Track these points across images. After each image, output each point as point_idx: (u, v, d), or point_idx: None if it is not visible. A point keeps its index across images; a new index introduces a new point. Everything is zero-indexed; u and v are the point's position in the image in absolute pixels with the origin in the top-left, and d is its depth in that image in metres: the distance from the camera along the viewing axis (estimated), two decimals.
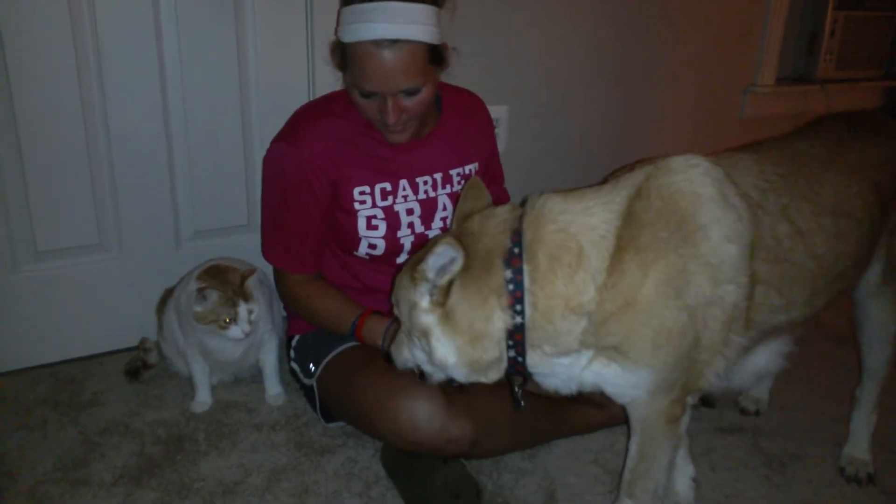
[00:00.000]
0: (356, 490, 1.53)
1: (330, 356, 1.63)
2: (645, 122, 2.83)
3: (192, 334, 1.76)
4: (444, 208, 1.67)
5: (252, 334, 1.74)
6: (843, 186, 1.29)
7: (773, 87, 3.10)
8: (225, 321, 1.67)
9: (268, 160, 1.62)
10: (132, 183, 1.94)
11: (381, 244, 1.61)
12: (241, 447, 1.66)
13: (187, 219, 2.05)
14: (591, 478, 1.59)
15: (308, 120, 1.59)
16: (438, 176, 1.65)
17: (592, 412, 1.71)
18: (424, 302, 1.14)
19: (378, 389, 1.47)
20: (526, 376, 1.21)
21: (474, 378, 1.18)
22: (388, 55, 1.38)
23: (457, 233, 1.19)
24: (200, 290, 1.65)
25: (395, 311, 1.25)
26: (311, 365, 1.67)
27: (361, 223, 1.60)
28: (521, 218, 1.15)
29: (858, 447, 1.64)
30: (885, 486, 1.60)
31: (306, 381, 1.70)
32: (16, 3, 1.70)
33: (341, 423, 1.72)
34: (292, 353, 1.76)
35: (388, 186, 1.60)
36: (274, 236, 1.65)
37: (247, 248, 2.01)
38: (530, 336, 1.12)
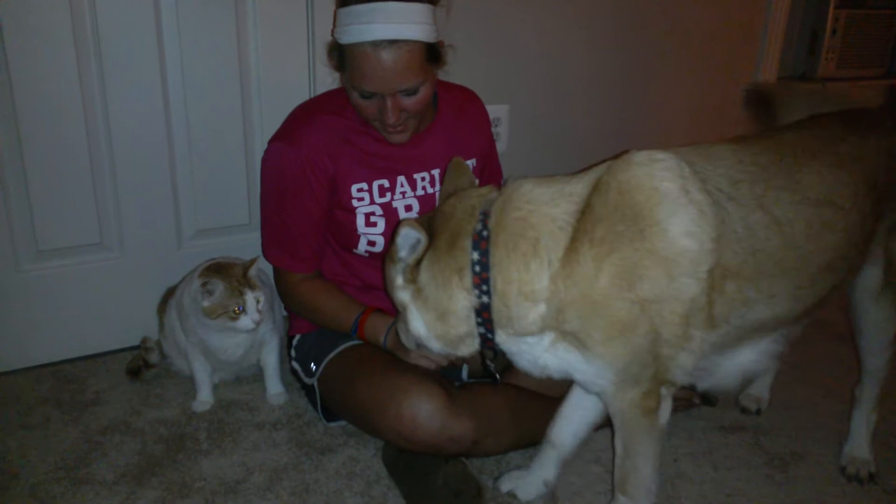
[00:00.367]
0: (357, 489, 1.53)
1: (331, 355, 1.63)
2: (645, 121, 2.83)
3: (194, 333, 1.76)
4: None
5: (258, 327, 1.73)
6: (830, 176, 1.27)
7: None
8: (235, 311, 1.67)
9: (266, 161, 1.63)
10: (133, 182, 1.94)
11: (380, 241, 1.62)
12: (242, 446, 1.66)
13: (189, 218, 2.05)
14: (592, 477, 1.59)
15: (305, 119, 1.59)
16: (436, 172, 1.65)
17: None
18: (399, 279, 1.23)
19: (379, 388, 1.47)
20: (496, 352, 1.26)
21: (448, 350, 1.26)
22: (386, 56, 1.39)
23: (431, 214, 1.26)
24: (205, 285, 1.65)
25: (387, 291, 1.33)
26: (313, 364, 1.68)
27: (360, 220, 1.60)
28: (493, 201, 1.20)
29: (859, 446, 1.64)
30: (886, 484, 1.60)
31: (307, 380, 1.70)
32: (17, 4, 1.70)
33: (342, 423, 1.72)
34: (293, 353, 1.77)
35: (385, 183, 1.61)
36: (274, 236, 1.65)
37: (248, 247, 2.01)
38: (495, 316, 1.18)
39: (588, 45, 2.56)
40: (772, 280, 1.21)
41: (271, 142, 1.61)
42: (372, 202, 1.60)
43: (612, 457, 1.64)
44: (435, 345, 1.25)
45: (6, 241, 1.85)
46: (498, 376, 1.35)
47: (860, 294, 1.52)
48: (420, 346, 1.30)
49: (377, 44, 1.38)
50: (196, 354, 1.80)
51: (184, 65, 1.91)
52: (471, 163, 1.72)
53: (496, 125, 2.41)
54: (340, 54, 1.47)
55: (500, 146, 2.40)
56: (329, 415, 1.71)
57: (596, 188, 1.15)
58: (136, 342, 1.99)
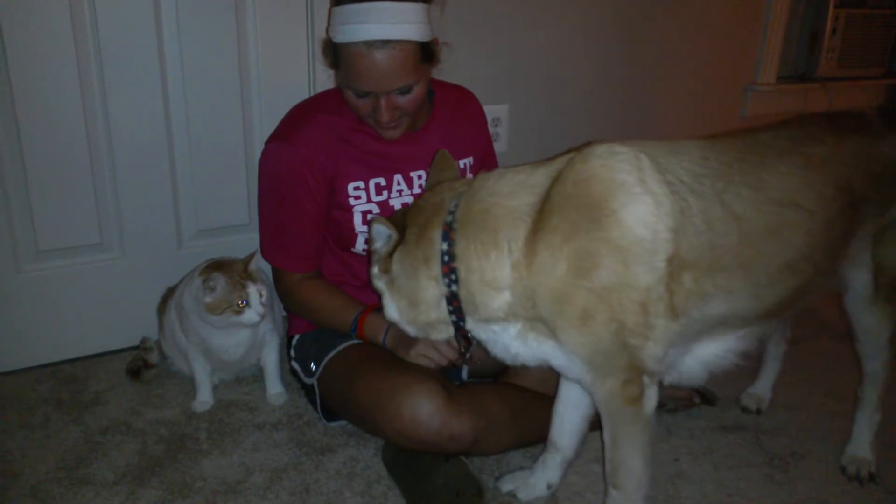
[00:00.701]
0: (358, 489, 1.53)
1: (330, 355, 1.63)
2: (646, 121, 2.83)
3: (195, 334, 1.76)
4: None
5: (260, 324, 1.73)
6: (796, 177, 1.27)
7: (774, 85, 3.09)
8: (238, 305, 1.67)
9: (264, 160, 1.63)
10: (133, 182, 1.94)
11: None
12: (242, 446, 1.66)
13: (189, 218, 2.05)
14: (592, 476, 1.59)
15: (302, 118, 1.59)
16: None
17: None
18: (375, 269, 1.30)
19: (379, 387, 1.47)
20: (468, 339, 1.30)
21: (423, 335, 1.32)
22: (380, 56, 1.39)
23: (408, 208, 1.33)
24: (206, 281, 1.65)
25: None
26: (312, 364, 1.68)
27: (357, 219, 1.60)
28: (463, 194, 1.25)
29: (860, 446, 1.64)
30: (886, 484, 1.60)
31: (307, 380, 1.70)
32: (17, 4, 1.70)
33: (342, 423, 1.72)
34: (293, 353, 1.77)
35: (382, 181, 1.61)
36: (272, 236, 1.65)
37: (249, 247, 2.00)
38: (463, 304, 1.23)
39: (588, 45, 2.56)
40: (729, 275, 1.21)
41: (269, 141, 1.61)
42: (369, 200, 1.60)
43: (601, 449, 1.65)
44: (410, 329, 1.32)
45: (6, 242, 1.85)
46: (468, 355, 1.38)
47: (852, 300, 1.52)
48: (423, 335, 1.34)
49: (371, 44, 1.38)
50: (196, 354, 1.79)
51: (184, 65, 1.91)
52: (468, 161, 1.73)
53: (496, 125, 2.41)
54: (335, 52, 1.47)
55: (500, 146, 2.40)
56: (329, 415, 1.71)
57: (556, 179, 1.18)
58: (136, 342, 1.99)
